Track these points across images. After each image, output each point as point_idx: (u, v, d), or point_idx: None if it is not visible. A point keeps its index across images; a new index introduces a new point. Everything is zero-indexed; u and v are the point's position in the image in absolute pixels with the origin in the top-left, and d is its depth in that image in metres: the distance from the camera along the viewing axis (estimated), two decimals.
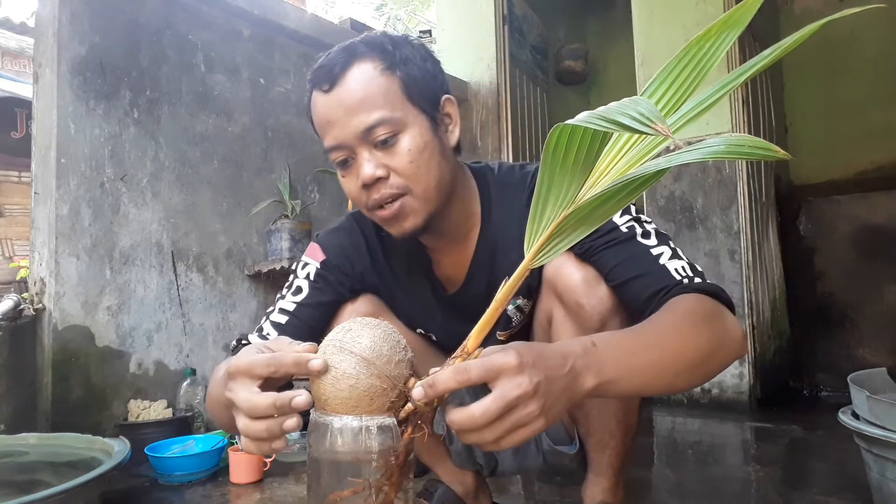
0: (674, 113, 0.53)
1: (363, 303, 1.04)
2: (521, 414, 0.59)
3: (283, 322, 0.99)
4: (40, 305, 1.91)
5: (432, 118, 0.90)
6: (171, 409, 2.04)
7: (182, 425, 1.98)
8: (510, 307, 1.03)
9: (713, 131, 2.47)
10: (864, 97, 3.19)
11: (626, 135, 0.55)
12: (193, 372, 2.13)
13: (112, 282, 2.04)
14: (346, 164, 0.89)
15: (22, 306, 1.87)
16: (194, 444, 1.80)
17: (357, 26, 3.09)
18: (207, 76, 2.38)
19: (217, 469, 1.74)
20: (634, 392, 0.74)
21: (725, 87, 0.51)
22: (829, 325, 3.21)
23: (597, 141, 0.52)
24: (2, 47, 5.39)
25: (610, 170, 0.55)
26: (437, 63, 0.95)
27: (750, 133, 2.60)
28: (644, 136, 0.54)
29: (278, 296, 1.05)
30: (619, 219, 0.90)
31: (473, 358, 0.64)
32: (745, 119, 2.76)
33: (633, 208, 0.91)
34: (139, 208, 2.14)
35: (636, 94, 0.51)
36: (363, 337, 0.68)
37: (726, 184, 2.73)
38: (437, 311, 1.07)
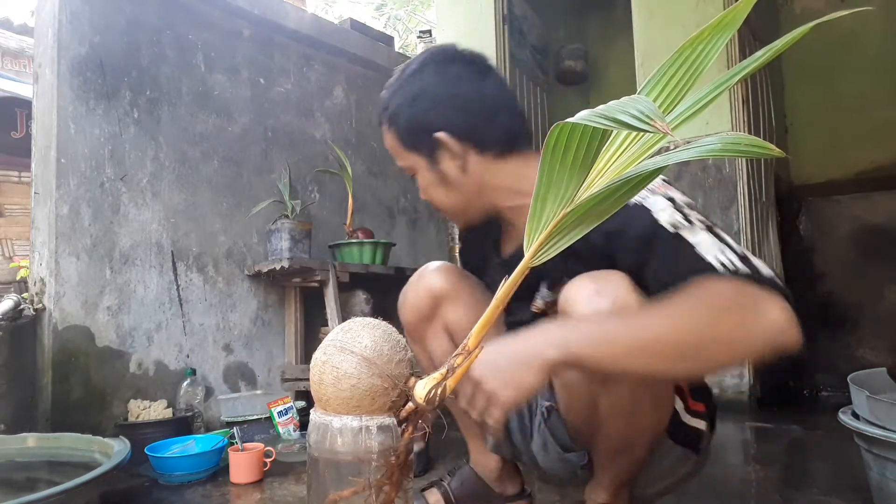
0: (669, 112, 0.53)
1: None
2: (478, 406, 0.74)
3: None
4: (40, 305, 1.91)
5: (430, 156, 1.01)
6: (171, 409, 2.04)
7: (182, 425, 1.98)
8: (537, 297, 1.05)
9: (713, 131, 2.47)
10: (864, 97, 3.19)
11: (624, 133, 0.55)
12: (193, 372, 2.13)
13: (112, 282, 2.04)
14: None
15: (22, 306, 1.87)
16: (194, 444, 1.80)
17: (357, 26, 3.09)
18: (207, 76, 2.38)
19: (217, 469, 1.74)
20: (613, 371, 0.76)
21: (720, 86, 0.52)
22: (829, 325, 3.21)
23: (596, 139, 0.52)
24: (2, 47, 5.39)
25: (608, 168, 0.55)
26: (435, 93, 0.99)
27: (750, 133, 2.60)
28: (642, 134, 0.54)
29: None
30: (661, 214, 0.84)
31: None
32: (745, 119, 2.76)
33: (678, 198, 0.87)
34: (139, 208, 2.14)
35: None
36: (364, 337, 0.69)
37: (726, 184, 2.72)
38: (489, 274, 1.19)
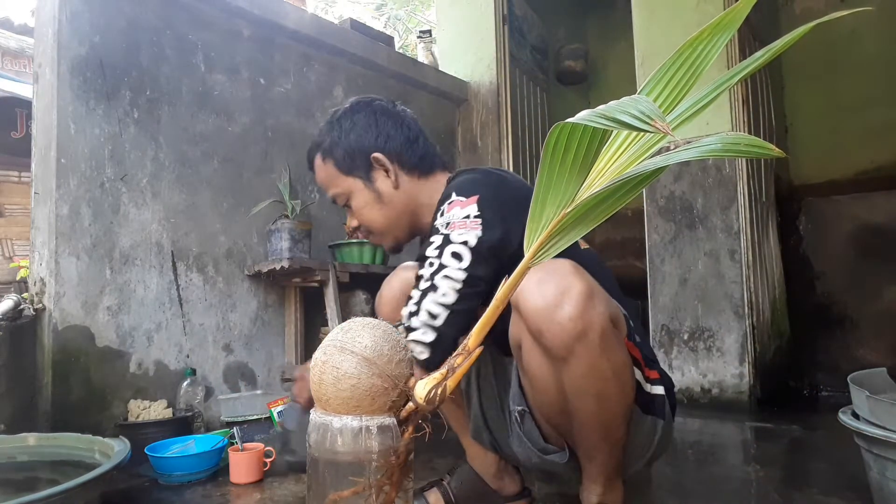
0: (669, 112, 0.53)
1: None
2: None
3: None
4: (40, 305, 1.91)
5: (366, 177, 1.22)
6: (171, 409, 2.04)
7: (182, 425, 1.98)
8: None
9: (713, 131, 2.47)
10: (864, 97, 3.19)
11: (625, 133, 0.55)
12: (193, 372, 2.13)
13: (112, 282, 2.04)
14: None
15: (22, 306, 1.87)
16: (194, 444, 1.80)
17: (357, 26, 3.09)
18: (207, 76, 2.38)
19: (217, 469, 1.74)
20: None
21: (720, 87, 0.52)
22: (829, 325, 3.21)
23: (596, 139, 0.52)
24: (2, 47, 5.39)
25: (608, 168, 0.55)
26: (366, 124, 1.23)
27: (750, 133, 2.60)
28: (642, 134, 0.54)
29: None
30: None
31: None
32: (745, 119, 2.76)
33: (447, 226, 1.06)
34: (139, 208, 2.14)
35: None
36: (364, 337, 0.68)
37: (726, 183, 2.72)
38: None
